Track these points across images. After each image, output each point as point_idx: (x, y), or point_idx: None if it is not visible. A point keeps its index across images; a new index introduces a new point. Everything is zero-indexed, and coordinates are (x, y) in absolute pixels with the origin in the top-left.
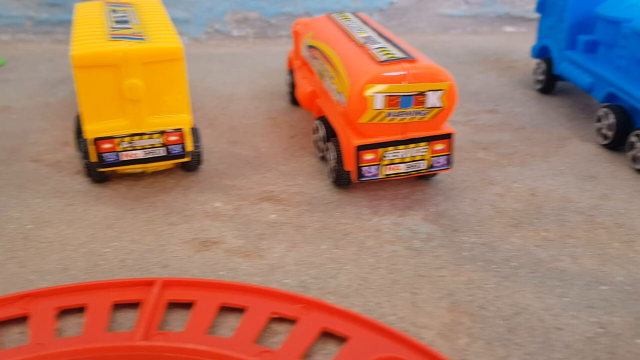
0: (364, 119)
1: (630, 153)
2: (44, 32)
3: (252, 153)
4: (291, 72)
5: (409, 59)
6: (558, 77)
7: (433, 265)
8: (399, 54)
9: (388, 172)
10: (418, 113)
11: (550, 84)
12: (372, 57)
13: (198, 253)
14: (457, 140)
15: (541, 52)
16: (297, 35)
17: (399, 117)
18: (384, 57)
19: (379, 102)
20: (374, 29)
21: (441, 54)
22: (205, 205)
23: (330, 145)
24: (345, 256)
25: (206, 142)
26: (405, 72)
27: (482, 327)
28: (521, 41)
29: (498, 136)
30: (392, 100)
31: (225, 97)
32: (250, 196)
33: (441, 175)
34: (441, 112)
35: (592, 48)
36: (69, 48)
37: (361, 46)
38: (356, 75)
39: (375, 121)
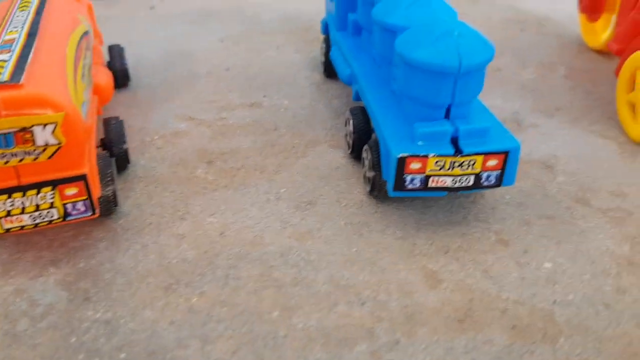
0: None
1: (363, 170)
2: None
3: None
4: None
5: (11, 83)
6: None
7: None
8: (7, 74)
9: (8, 226)
10: (28, 153)
11: (330, 68)
12: None
13: None
14: (184, 151)
15: (326, 28)
16: None
17: (2, 160)
18: None
19: None
20: (36, 21)
21: (248, 22)
22: None
23: None
24: None
25: None
26: None
27: None
28: None
29: (238, 142)
30: None
31: None
32: None
33: (128, 207)
34: (64, 149)
35: (359, 31)
36: None
37: None
38: None
39: None
